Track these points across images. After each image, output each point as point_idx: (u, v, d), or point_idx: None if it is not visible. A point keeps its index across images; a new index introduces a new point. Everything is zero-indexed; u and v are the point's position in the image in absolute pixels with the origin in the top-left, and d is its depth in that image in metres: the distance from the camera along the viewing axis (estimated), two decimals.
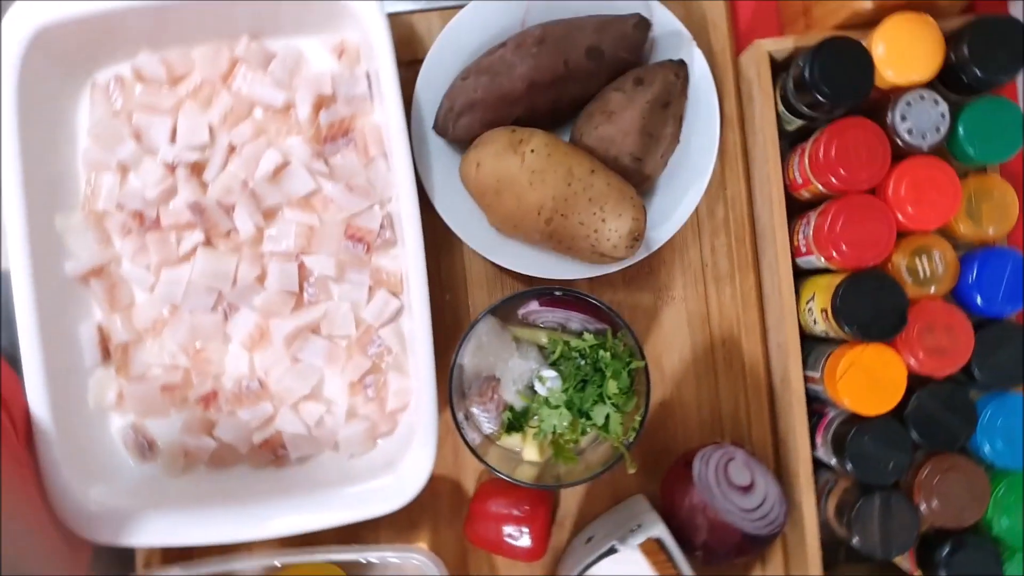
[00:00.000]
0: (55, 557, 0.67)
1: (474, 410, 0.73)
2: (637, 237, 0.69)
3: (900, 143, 0.66)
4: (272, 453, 0.75)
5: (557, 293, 0.70)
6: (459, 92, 0.71)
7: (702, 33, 0.78)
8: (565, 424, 0.70)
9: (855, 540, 0.66)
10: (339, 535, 0.75)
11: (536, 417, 0.71)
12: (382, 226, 0.74)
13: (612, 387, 0.68)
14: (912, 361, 0.66)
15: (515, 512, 0.73)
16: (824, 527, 0.72)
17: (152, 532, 0.70)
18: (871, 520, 0.66)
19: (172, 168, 0.74)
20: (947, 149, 0.68)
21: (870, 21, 0.67)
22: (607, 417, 0.69)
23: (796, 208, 0.74)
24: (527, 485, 0.68)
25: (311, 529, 0.69)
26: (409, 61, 0.75)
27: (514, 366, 0.71)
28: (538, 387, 0.71)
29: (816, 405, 0.73)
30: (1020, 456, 0.66)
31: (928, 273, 0.67)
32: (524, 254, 0.74)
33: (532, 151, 0.67)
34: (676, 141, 0.73)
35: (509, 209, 0.69)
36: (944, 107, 0.65)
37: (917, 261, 0.67)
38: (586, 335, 0.71)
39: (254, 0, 0.72)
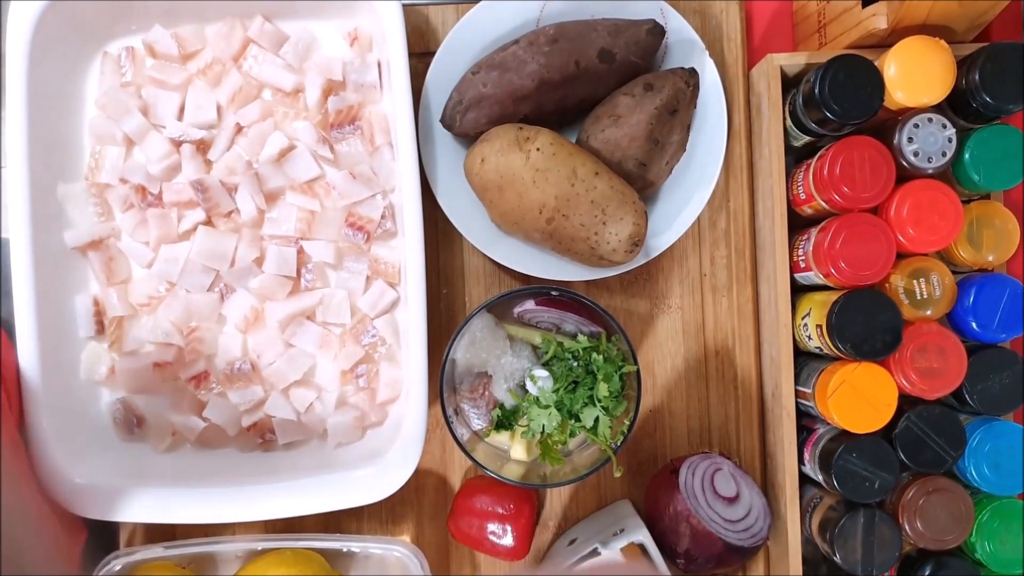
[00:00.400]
0: (50, 540, 0.67)
1: (464, 406, 0.73)
2: (637, 242, 0.69)
3: (905, 165, 0.66)
4: (260, 437, 0.75)
5: (554, 293, 0.70)
6: (468, 86, 0.71)
7: (716, 44, 0.78)
8: (554, 425, 0.70)
9: (837, 556, 0.67)
10: (322, 524, 0.76)
11: (526, 416, 0.71)
12: (383, 216, 0.74)
13: (603, 390, 0.68)
14: (904, 382, 0.66)
15: (499, 510, 0.73)
16: (807, 542, 0.72)
17: (136, 508, 0.69)
18: (854, 537, 0.66)
19: (177, 144, 0.74)
20: (952, 173, 0.68)
21: (884, 42, 0.67)
22: (596, 420, 0.69)
23: (797, 224, 0.74)
24: (513, 483, 0.68)
25: (295, 514, 0.69)
26: (421, 53, 0.76)
27: (506, 364, 0.71)
28: (529, 386, 0.71)
29: (806, 421, 0.74)
30: (1006, 483, 0.66)
31: (925, 295, 0.67)
32: (523, 253, 0.74)
33: (538, 149, 0.67)
34: (682, 149, 0.73)
35: (511, 206, 0.69)
36: (952, 132, 0.65)
37: (915, 283, 0.67)
38: (580, 337, 0.71)
39: None
